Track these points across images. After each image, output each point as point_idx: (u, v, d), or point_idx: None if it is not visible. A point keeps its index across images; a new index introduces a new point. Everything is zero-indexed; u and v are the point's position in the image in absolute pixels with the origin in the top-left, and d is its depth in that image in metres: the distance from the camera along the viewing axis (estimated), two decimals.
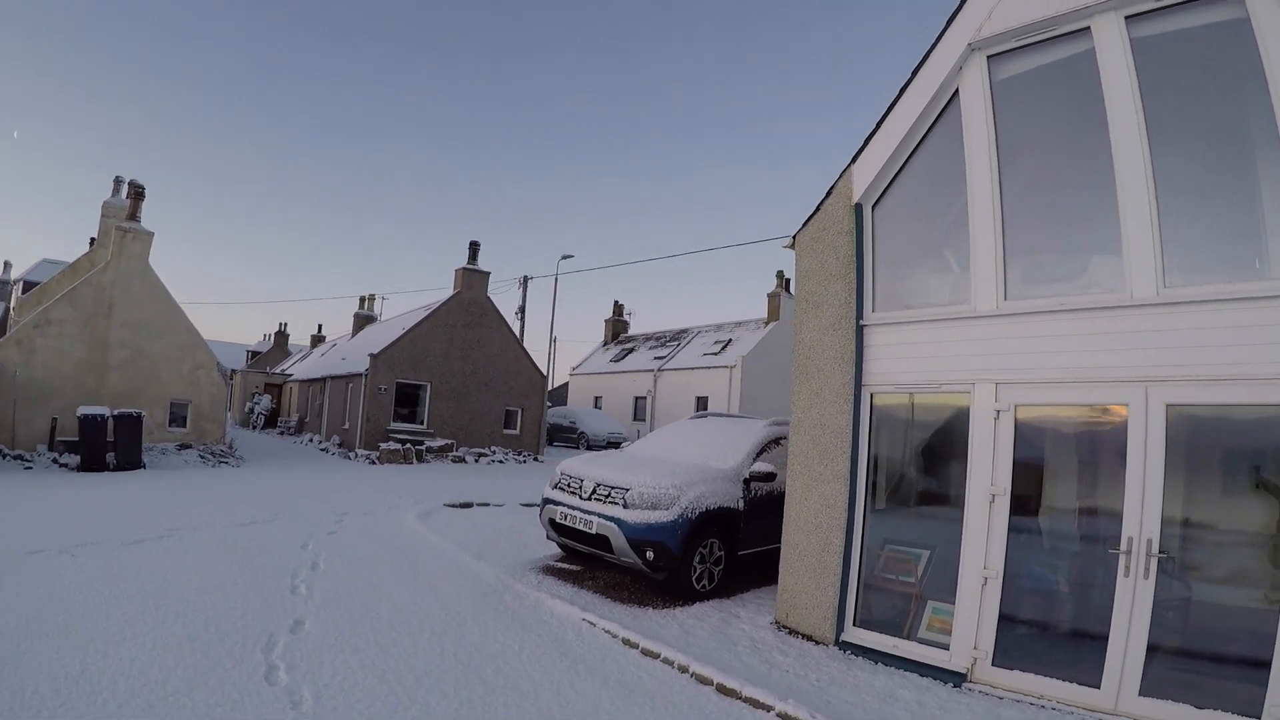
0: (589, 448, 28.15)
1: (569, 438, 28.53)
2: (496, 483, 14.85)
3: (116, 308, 16.27)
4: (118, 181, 19.23)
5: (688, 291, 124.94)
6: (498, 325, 20.93)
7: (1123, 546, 4.26)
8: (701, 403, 31.39)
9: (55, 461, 14.25)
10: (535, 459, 20.42)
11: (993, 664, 4.66)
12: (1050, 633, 4.71)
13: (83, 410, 14.05)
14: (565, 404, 34.66)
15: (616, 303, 40.80)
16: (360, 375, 18.87)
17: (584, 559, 7.53)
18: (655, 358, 35.14)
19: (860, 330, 5.63)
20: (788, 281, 32.37)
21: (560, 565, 7.29)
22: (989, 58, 5.18)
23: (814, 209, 6.02)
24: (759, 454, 7.26)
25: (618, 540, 6.25)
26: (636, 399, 34.53)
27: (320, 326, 44.05)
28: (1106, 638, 4.27)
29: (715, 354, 32.07)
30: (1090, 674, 4.30)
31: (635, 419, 33.94)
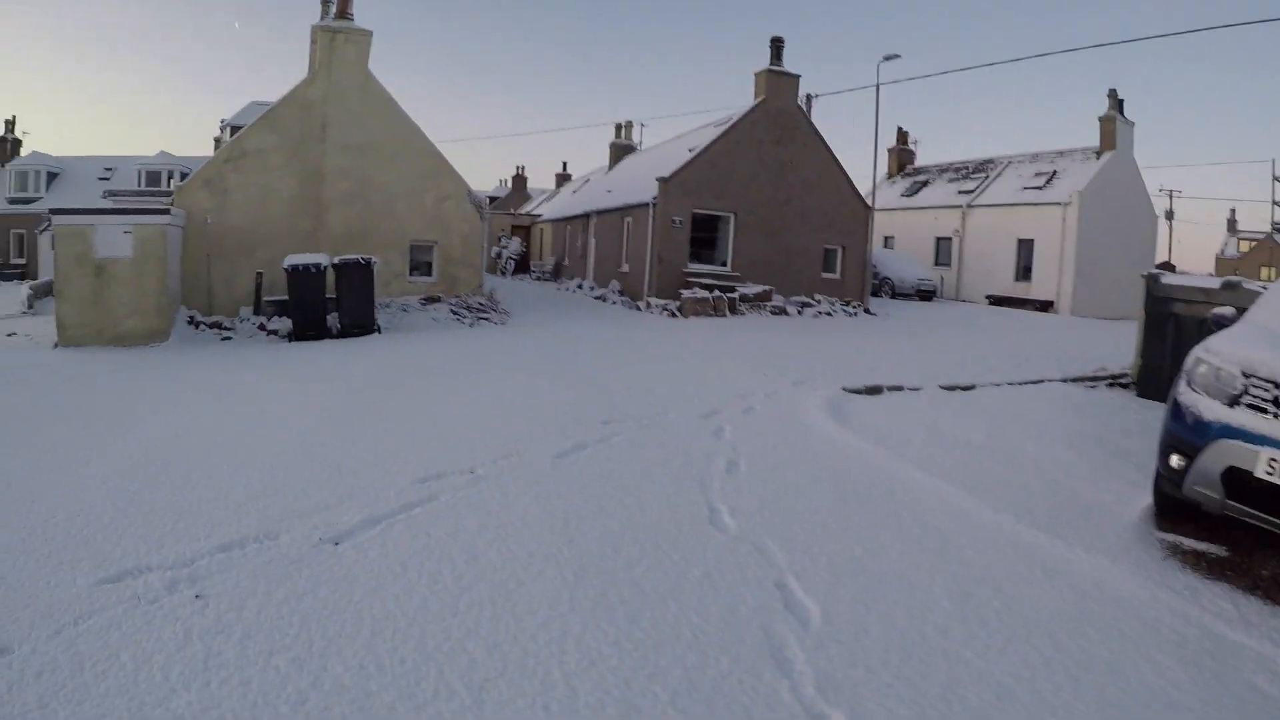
0: (894, 296, 22.76)
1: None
2: (860, 346, 10.44)
3: (331, 128, 12.59)
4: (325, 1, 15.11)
5: (978, 118, 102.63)
6: (813, 142, 16.35)
7: None
8: (1025, 245, 24.70)
9: (262, 328, 11.27)
10: (866, 311, 16.34)
11: None
12: None
13: (290, 260, 10.68)
14: None
15: (900, 129, 32.77)
16: (645, 206, 15.22)
17: (1215, 529, 3.79)
18: (960, 192, 28.12)
19: None
20: (1121, 102, 23.75)
21: (1189, 545, 3.64)
22: None
23: None
24: None
25: None
26: (939, 239, 28.21)
27: (565, 164, 40.18)
28: None
29: (1039, 188, 24.72)
30: None
31: (937, 263, 27.70)
